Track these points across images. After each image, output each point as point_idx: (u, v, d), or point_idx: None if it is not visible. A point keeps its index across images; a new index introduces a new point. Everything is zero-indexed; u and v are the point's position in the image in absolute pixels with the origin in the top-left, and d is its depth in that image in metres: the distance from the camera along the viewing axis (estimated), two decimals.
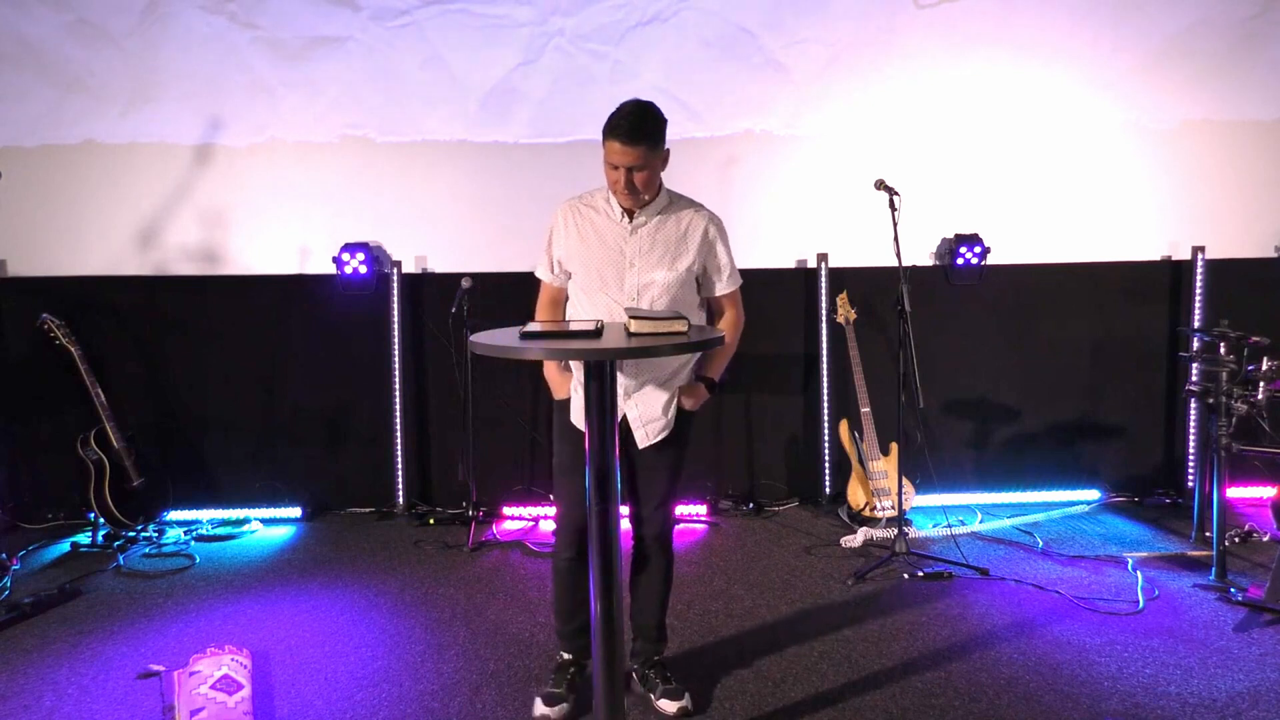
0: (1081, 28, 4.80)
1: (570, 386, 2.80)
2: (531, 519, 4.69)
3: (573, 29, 4.72)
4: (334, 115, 4.75)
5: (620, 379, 2.66)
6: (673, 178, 4.91)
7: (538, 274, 2.87)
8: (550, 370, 2.87)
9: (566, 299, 2.86)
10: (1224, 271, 4.90)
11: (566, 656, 2.95)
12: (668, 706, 2.82)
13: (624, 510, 2.75)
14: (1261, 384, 3.72)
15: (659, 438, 2.75)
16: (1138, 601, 3.57)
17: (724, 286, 2.82)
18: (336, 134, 4.77)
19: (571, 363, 2.82)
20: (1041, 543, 4.27)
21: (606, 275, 2.67)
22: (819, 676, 3.04)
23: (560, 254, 2.77)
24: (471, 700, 2.91)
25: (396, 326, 4.80)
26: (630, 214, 2.70)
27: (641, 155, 2.55)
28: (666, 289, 2.68)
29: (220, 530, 4.59)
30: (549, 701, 2.80)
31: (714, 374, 2.86)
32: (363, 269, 4.70)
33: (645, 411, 2.73)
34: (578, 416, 2.75)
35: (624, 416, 2.72)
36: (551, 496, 2.95)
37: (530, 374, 4.82)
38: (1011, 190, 4.90)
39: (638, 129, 2.54)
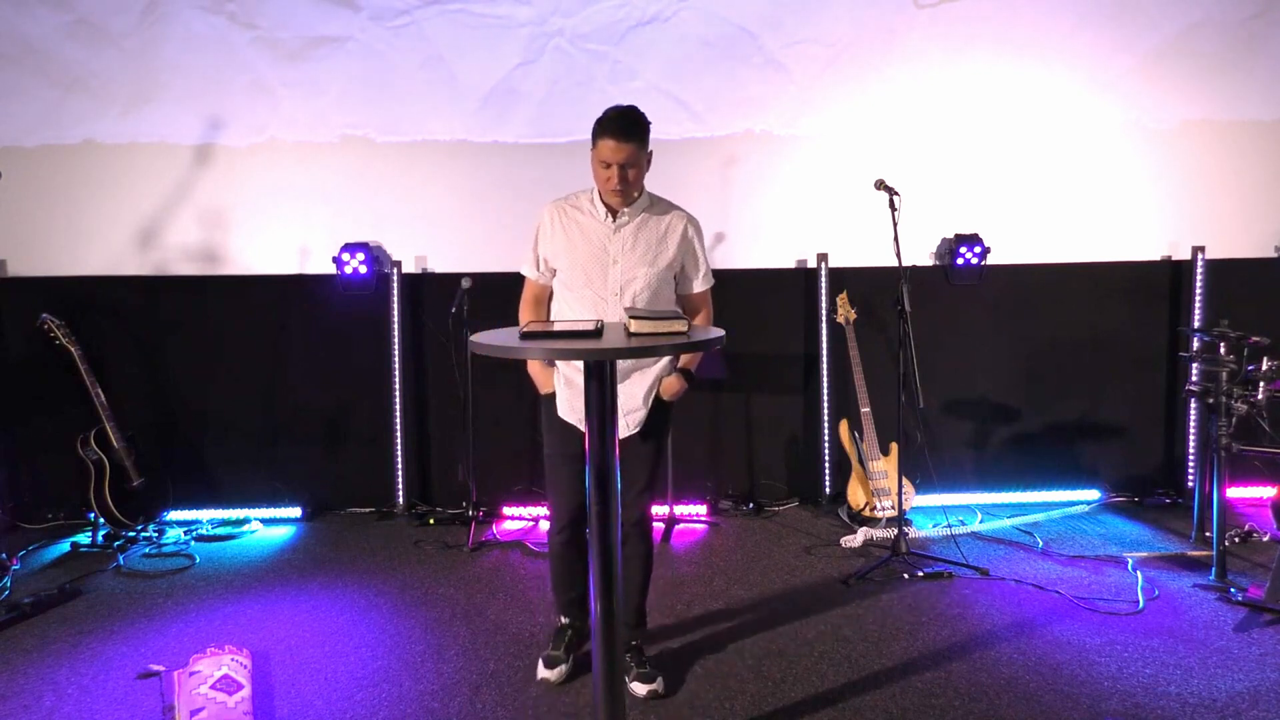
0: (1081, 28, 4.80)
1: (554, 381, 2.95)
2: (531, 519, 4.69)
3: (573, 29, 4.72)
4: (334, 115, 4.75)
5: None
6: (673, 177, 4.94)
7: (523, 271, 3.02)
8: (534, 366, 3.01)
9: (550, 295, 3.01)
10: (1224, 271, 4.90)
11: (565, 620, 3.15)
12: (639, 689, 2.94)
13: None
14: (1261, 384, 3.72)
15: (639, 428, 2.91)
16: (1138, 601, 3.57)
17: (700, 285, 2.98)
18: (336, 134, 4.77)
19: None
20: (1041, 543, 4.27)
21: (591, 272, 2.83)
22: (819, 676, 3.04)
23: (546, 252, 2.92)
24: (471, 700, 2.92)
25: (396, 326, 4.80)
26: (614, 214, 2.85)
27: (633, 152, 2.73)
28: (649, 284, 2.84)
29: (220, 530, 4.59)
30: (549, 664, 3.03)
31: (691, 366, 2.99)
32: (363, 269, 4.70)
33: (626, 403, 2.89)
34: (564, 410, 2.92)
35: None
36: (546, 483, 3.13)
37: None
38: (1011, 190, 4.90)
39: (630, 127, 2.73)
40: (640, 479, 2.94)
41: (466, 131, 4.79)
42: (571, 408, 2.90)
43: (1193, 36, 4.81)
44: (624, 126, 2.71)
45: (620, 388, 2.83)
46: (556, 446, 2.96)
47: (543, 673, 3.02)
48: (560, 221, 2.88)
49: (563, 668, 3.02)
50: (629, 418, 2.89)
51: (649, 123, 2.77)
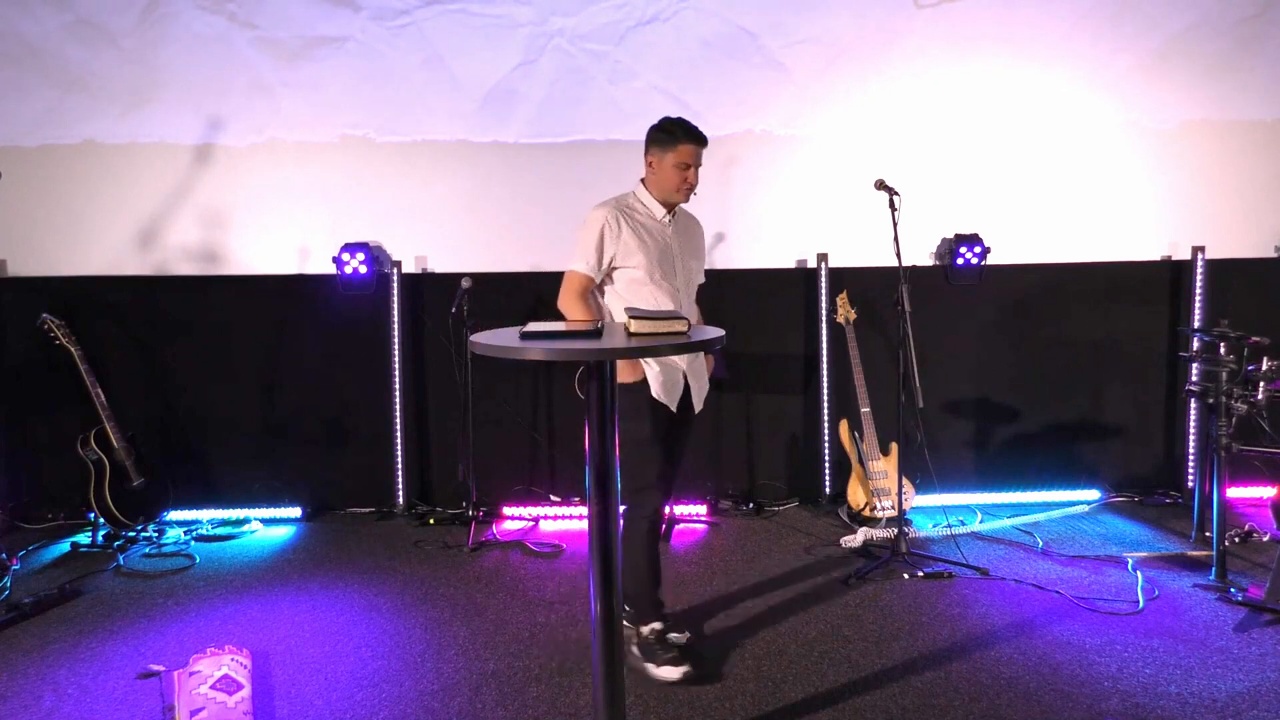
0: (1081, 28, 4.80)
1: (644, 368, 3.07)
2: (531, 519, 4.69)
3: (573, 29, 4.72)
4: (334, 115, 4.75)
5: (683, 357, 3.11)
6: None
7: (578, 268, 3.05)
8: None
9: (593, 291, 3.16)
10: (1224, 271, 4.90)
11: (659, 626, 3.11)
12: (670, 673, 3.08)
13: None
14: (1261, 384, 3.72)
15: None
16: (1138, 601, 3.57)
17: (701, 278, 3.34)
18: (336, 134, 4.77)
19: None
20: (1041, 543, 4.27)
21: (665, 266, 3.09)
22: (819, 676, 3.04)
23: (614, 252, 3.04)
24: (471, 700, 2.91)
25: (396, 326, 4.80)
26: (668, 212, 3.14)
27: (701, 155, 3.08)
28: (697, 274, 3.24)
29: (220, 530, 4.59)
30: (674, 663, 3.00)
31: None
32: (363, 269, 4.70)
33: (701, 383, 3.23)
34: (658, 391, 3.04)
35: (687, 388, 3.15)
36: (631, 466, 2.91)
37: (530, 374, 4.82)
38: (1011, 190, 4.90)
39: (701, 134, 3.06)
40: (686, 452, 3.29)
41: (466, 131, 4.79)
42: (665, 389, 3.06)
43: (1193, 36, 4.81)
44: (699, 133, 3.04)
45: (696, 368, 3.20)
46: (646, 430, 3.03)
47: (670, 674, 2.97)
48: (625, 223, 3.04)
49: (686, 667, 2.99)
50: (702, 393, 3.23)
51: None
